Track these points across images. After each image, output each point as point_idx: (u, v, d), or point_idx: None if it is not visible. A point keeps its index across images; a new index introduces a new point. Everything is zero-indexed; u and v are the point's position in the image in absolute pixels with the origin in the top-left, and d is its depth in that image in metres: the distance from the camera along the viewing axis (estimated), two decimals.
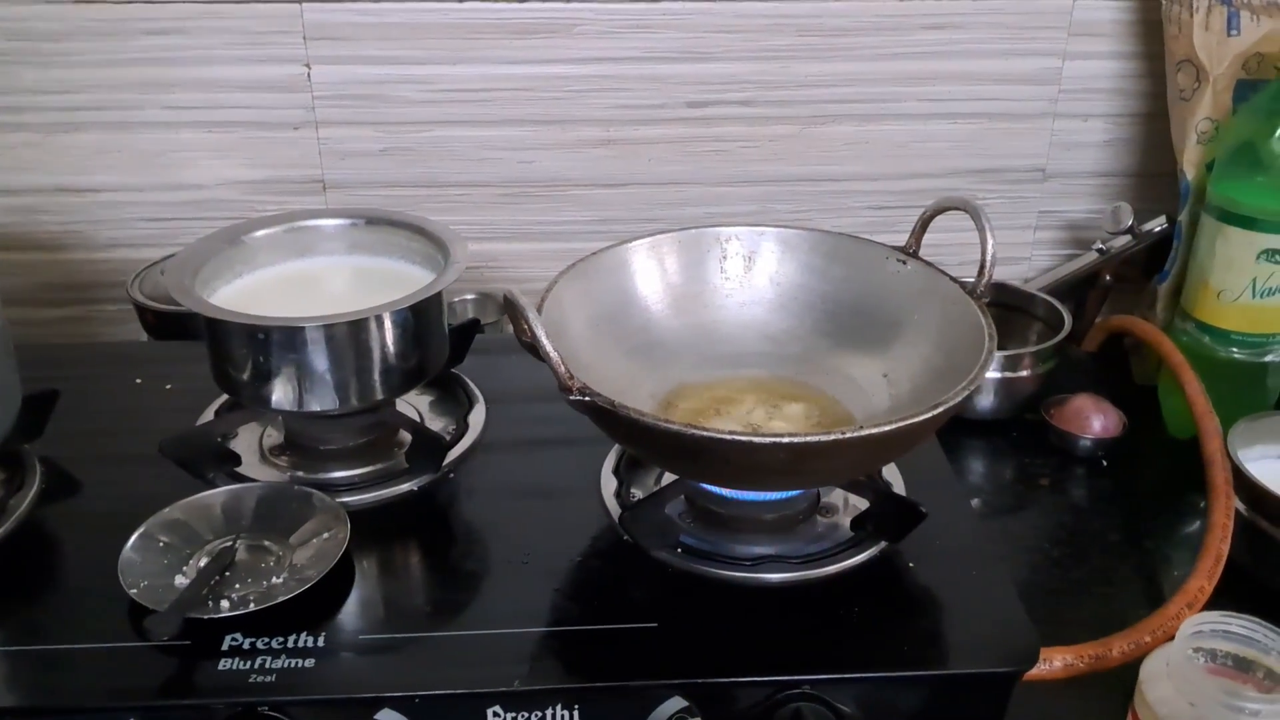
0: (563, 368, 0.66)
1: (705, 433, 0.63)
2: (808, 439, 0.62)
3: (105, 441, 0.87)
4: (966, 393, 0.66)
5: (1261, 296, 0.93)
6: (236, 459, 0.83)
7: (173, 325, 0.98)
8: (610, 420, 0.66)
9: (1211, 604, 0.75)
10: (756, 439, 0.62)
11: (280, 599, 0.67)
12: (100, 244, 1.10)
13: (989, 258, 0.75)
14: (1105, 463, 0.97)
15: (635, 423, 0.64)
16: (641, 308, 0.83)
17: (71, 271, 1.11)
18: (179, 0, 1.01)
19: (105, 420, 0.90)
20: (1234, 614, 0.64)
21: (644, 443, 0.70)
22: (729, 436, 0.62)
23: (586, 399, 0.65)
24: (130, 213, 1.10)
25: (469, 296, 1.13)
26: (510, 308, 0.67)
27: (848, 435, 0.62)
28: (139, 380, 0.95)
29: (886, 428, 0.63)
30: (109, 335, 1.13)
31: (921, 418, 0.64)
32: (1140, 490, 0.94)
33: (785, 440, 0.62)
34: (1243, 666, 0.63)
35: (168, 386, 0.94)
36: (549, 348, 0.65)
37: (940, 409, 0.64)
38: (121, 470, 0.83)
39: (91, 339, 1.13)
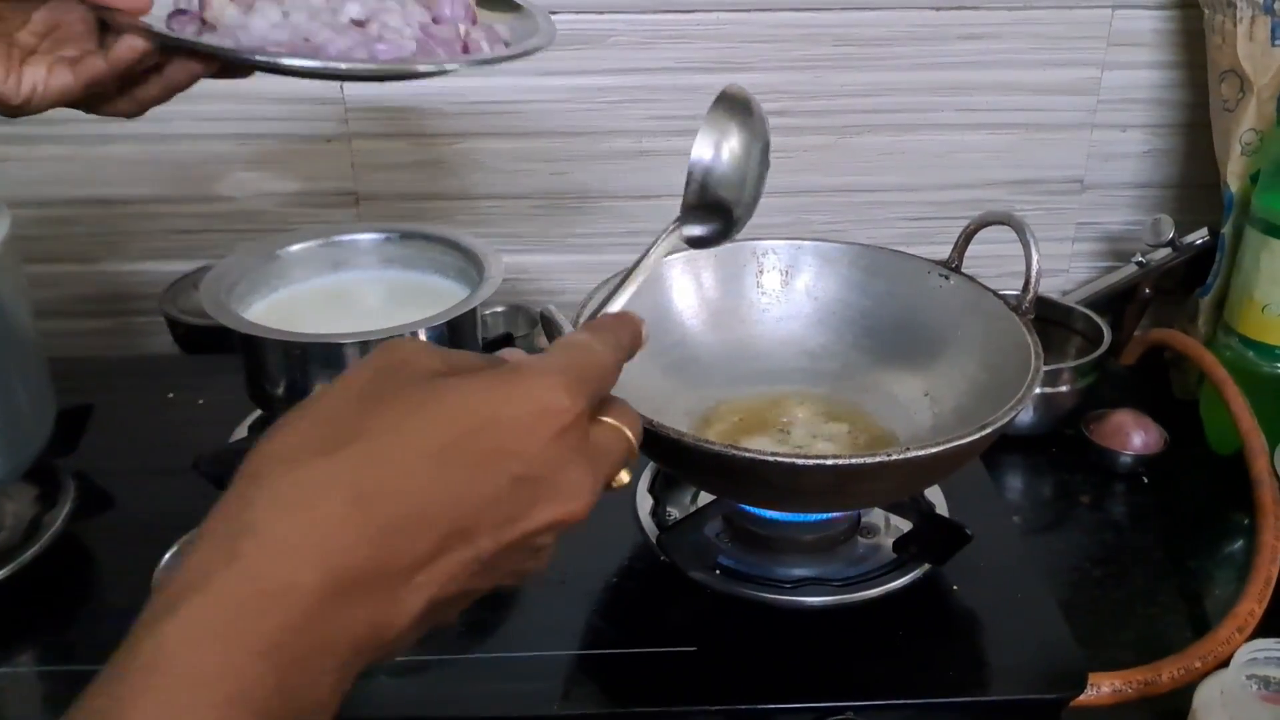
0: None
1: (748, 454, 0.62)
2: (853, 461, 0.61)
3: (139, 456, 0.87)
4: (1015, 412, 0.65)
5: None
6: None
7: (204, 338, 0.98)
8: (649, 440, 0.65)
9: (1262, 627, 0.73)
10: (800, 461, 0.61)
11: None
12: (132, 256, 1.10)
13: (1034, 273, 0.73)
14: (1146, 479, 0.96)
15: (675, 443, 0.63)
16: (677, 323, 0.83)
17: (103, 283, 1.11)
18: None
19: (139, 435, 0.90)
20: None
21: (683, 463, 0.69)
22: (772, 458, 0.61)
23: None
24: (162, 224, 1.09)
25: (499, 309, 1.12)
26: (547, 324, 0.66)
27: (894, 457, 0.61)
28: (171, 395, 0.94)
29: (934, 449, 0.62)
30: (141, 347, 1.13)
31: (970, 439, 0.63)
32: (1182, 508, 0.93)
33: (830, 462, 0.61)
34: None
35: (200, 401, 0.93)
36: None
37: (989, 429, 0.63)
38: (155, 485, 0.83)
39: (123, 350, 1.13)
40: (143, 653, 0.33)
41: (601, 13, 1.03)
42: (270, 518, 0.35)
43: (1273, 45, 0.96)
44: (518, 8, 0.70)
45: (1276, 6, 0.95)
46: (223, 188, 1.08)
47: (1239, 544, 0.88)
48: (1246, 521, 0.84)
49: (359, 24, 0.61)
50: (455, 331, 0.79)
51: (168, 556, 0.72)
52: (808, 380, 0.83)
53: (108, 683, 0.34)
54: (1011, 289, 0.76)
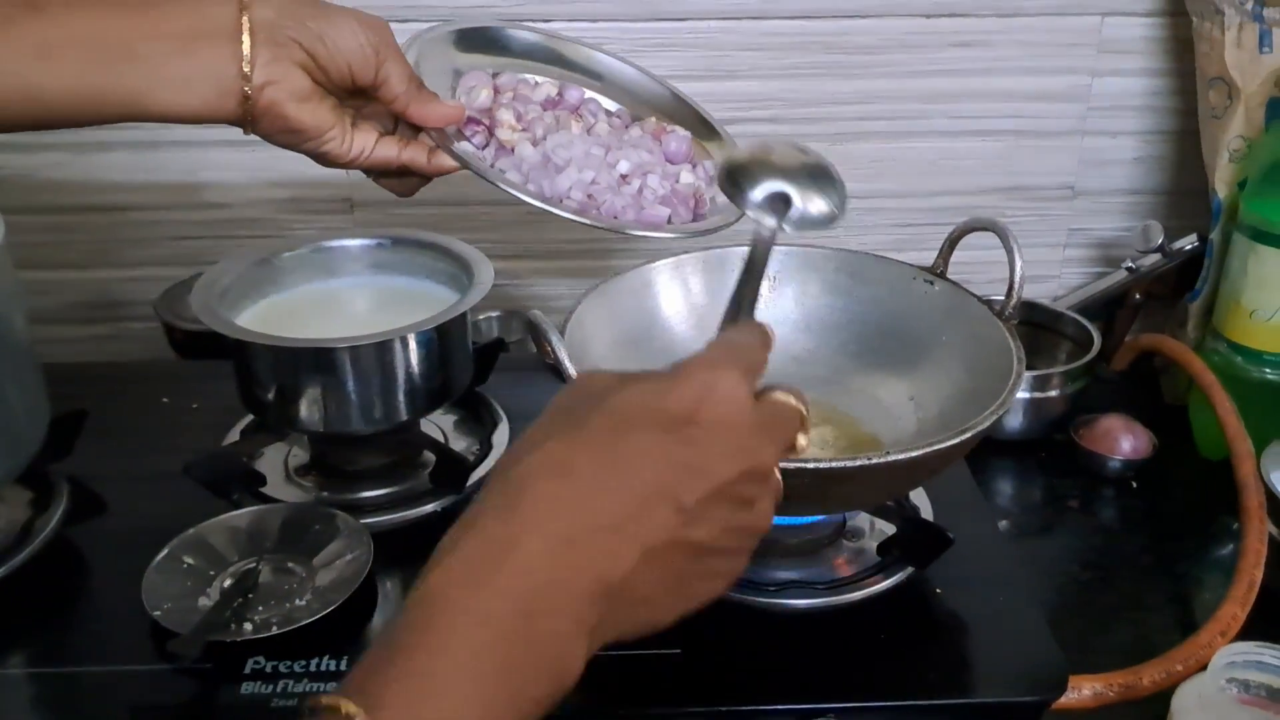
0: None
1: None
2: (833, 464, 0.62)
3: (132, 461, 0.88)
4: (995, 417, 0.65)
5: None
6: (262, 479, 0.84)
7: (200, 344, 0.98)
8: None
9: (1244, 631, 0.73)
10: (780, 464, 0.62)
11: (303, 622, 0.67)
12: (129, 262, 1.11)
13: (1017, 279, 0.74)
14: (1135, 484, 0.96)
15: None
16: (665, 328, 0.83)
17: (100, 290, 1.12)
18: None
19: (132, 440, 0.90)
20: (1268, 645, 0.63)
21: None
22: None
23: None
24: (159, 231, 1.10)
25: (493, 314, 1.13)
26: (533, 330, 0.67)
27: (874, 461, 0.62)
28: (166, 400, 0.95)
29: (914, 453, 0.62)
30: (137, 353, 1.13)
31: (949, 443, 0.63)
32: (1171, 512, 0.93)
33: (810, 465, 0.62)
34: (1276, 697, 0.62)
35: (194, 406, 0.94)
36: (571, 371, 0.65)
37: (968, 434, 0.64)
38: (148, 490, 0.83)
39: (120, 357, 1.14)
40: (414, 600, 0.42)
41: (594, 21, 1.04)
42: (496, 499, 0.44)
43: (1260, 53, 0.96)
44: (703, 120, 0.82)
45: (1265, 14, 0.95)
46: (219, 195, 1.09)
47: (1228, 548, 0.88)
48: (1235, 526, 0.84)
49: (624, 176, 0.73)
50: (445, 337, 0.80)
51: (159, 559, 0.72)
52: (794, 385, 0.83)
53: (391, 628, 0.42)
54: (1001, 295, 0.76)
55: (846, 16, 1.05)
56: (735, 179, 0.63)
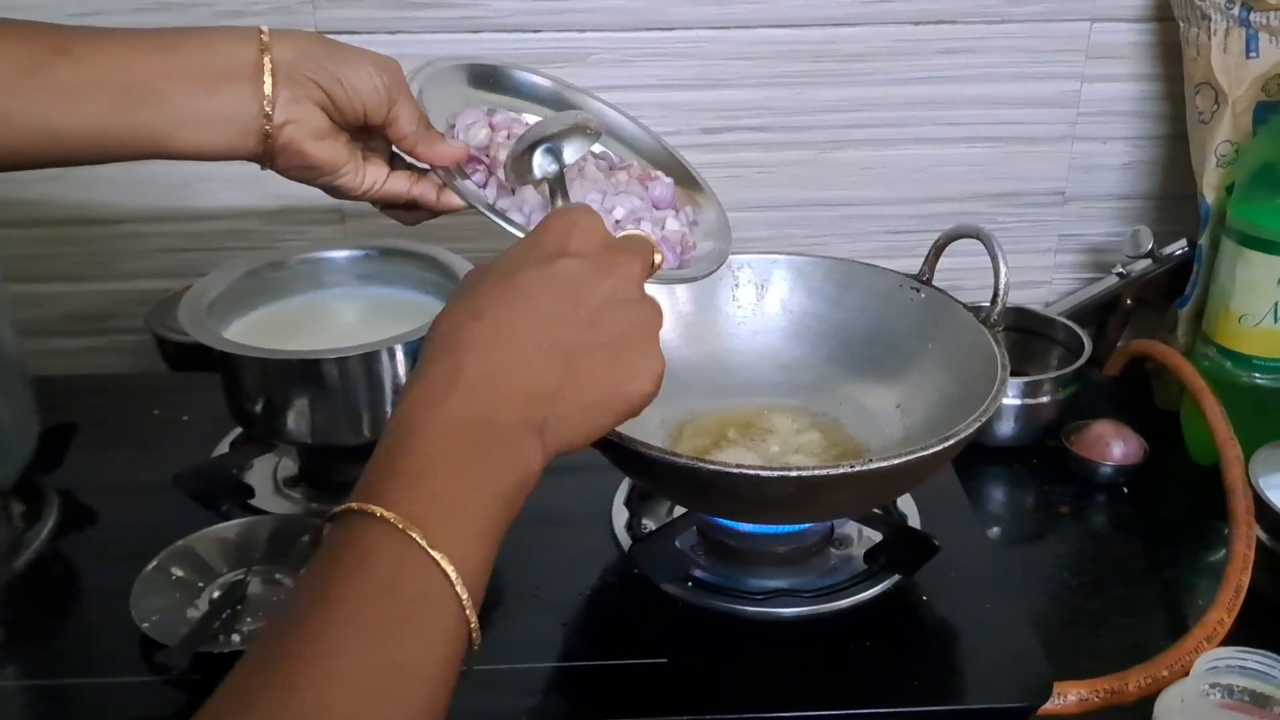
0: None
1: (712, 466, 0.62)
2: (816, 472, 0.62)
3: (122, 473, 0.88)
4: (978, 424, 0.65)
5: None
6: (250, 491, 0.84)
7: (191, 356, 0.98)
8: (618, 453, 0.66)
9: (1232, 636, 0.73)
10: (764, 472, 0.62)
11: None
12: (121, 275, 1.11)
13: (1002, 285, 0.74)
14: (1126, 490, 0.96)
15: (643, 456, 0.64)
16: None
17: (92, 302, 1.12)
18: None
19: (122, 452, 0.91)
20: (1251, 650, 0.63)
21: (653, 475, 0.70)
22: (735, 470, 0.62)
23: None
24: (151, 244, 1.10)
25: None
26: None
27: (857, 468, 0.62)
28: (157, 412, 0.96)
29: (896, 460, 0.62)
30: (128, 366, 1.14)
31: (932, 450, 0.63)
32: (1162, 518, 0.93)
33: (793, 473, 0.62)
34: (1260, 702, 0.62)
35: (185, 418, 0.94)
36: None
37: (951, 441, 0.64)
38: (138, 502, 0.84)
39: (110, 369, 1.14)
40: (390, 428, 0.51)
41: (583, 31, 1.04)
42: (433, 349, 0.53)
43: (1246, 57, 0.96)
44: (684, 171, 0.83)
45: (1251, 19, 0.96)
46: (211, 207, 1.09)
47: (1218, 554, 0.88)
48: (1226, 532, 0.85)
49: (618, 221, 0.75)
50: None
51: (148, 570, 0.73)
52: (783, 393, 0.84)
53: (376, 452, 0.51)
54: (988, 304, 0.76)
55: (835, 25, 1.05)
56: (517, 162, 0.69)
